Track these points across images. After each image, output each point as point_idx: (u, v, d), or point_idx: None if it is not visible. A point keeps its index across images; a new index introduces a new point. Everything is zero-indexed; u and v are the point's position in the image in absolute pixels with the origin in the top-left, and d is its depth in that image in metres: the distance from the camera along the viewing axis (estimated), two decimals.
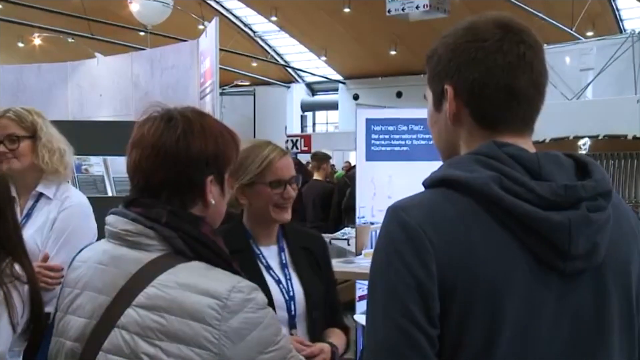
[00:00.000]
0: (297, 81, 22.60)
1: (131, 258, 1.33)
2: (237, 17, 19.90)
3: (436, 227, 1.07)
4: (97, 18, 14.21)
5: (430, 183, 1.13)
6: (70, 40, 16.08)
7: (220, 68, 5.57)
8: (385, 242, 1.10)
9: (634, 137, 3.66)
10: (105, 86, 6.97)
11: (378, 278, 1.10)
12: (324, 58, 20.57)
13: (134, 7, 10.84)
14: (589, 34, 13.86)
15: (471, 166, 1.10)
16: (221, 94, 6.72)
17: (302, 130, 21.77)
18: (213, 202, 1.38)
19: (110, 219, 1.39)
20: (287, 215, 2.04)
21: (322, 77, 21.50)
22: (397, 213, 1.10)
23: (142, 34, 13.59)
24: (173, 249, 1.32)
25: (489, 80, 1.13)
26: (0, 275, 1.88)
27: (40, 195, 2.42)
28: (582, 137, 3.84)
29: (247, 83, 16.10)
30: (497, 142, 1.12)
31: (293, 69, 21.78)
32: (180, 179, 1.35)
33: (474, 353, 1.06)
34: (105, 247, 1.39)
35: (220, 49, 5.76)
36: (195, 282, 1.28)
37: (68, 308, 1.38)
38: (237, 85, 13.31)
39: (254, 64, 19.69)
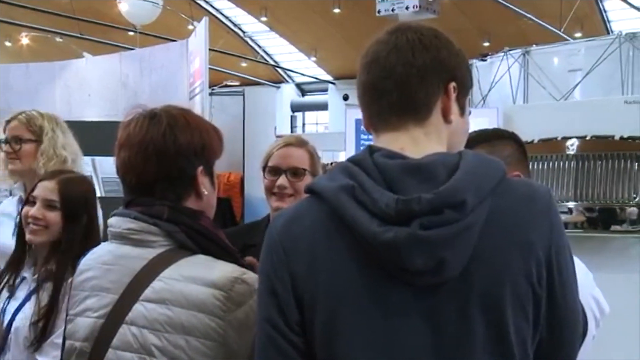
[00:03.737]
0: (287, 81, 22.57)
1: (135, 255, 1.35)
2: (226, 17, 19.85)
3: (291, 236, 1.10)
4: (86, 17, 14.14)
5: (305, 190, 1.16)
6: (58, 39, 15.98)
7: (209, 68, 5.55)
8: (262, 252, 1.15)
9: (621, 138, 3.69)
10: (94, 86, 6.93)
11: (258, 286, 1.16)
12: (313, 58, 20.56)
13: (123, 7, 10.79)
14: (577, 35, 13.93)
15: (336, 174, 1.11)
16: (210, 94, 6.70)
17: (291, 131, 21.71)
18: (206, 192, 1.40)
19: (112, 220, 1.41)
20: (284, 205, 2.04)
21: (312, 77, 21.48)
22: (270, 223, 1.17)
23: (131, 33, 13.53)
24: (176, 243, 1.35)
25: (359, 78, 1.19)
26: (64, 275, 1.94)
27: None
28: (571, 138, 3.86)
29: (237, 83, 16.06)
30: (373, 147, 1.12)
31: (283, 69, 21.75)
32: (171, 172, 1.37)
33: None
34: (109, 248, 1.41)
35: (210, 49, 5.75)
36: (200, 274, 1.30)
37: (77, 310, 1.40)
38: (226, 86, 13.28)
39: (244, 64, 19.66)
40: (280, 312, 1.09)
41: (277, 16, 18.48)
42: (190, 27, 12.98)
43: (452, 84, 1.15)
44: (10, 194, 2.75)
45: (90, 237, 2.00)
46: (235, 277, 1.29)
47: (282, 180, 2.06)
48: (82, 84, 7.01)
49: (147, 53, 6.81)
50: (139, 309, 1.30)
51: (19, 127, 2.50)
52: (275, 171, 2.08)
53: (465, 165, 1.07)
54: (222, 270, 1.32)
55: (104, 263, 1.39)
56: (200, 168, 1.40)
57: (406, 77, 1.13)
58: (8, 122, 2.53)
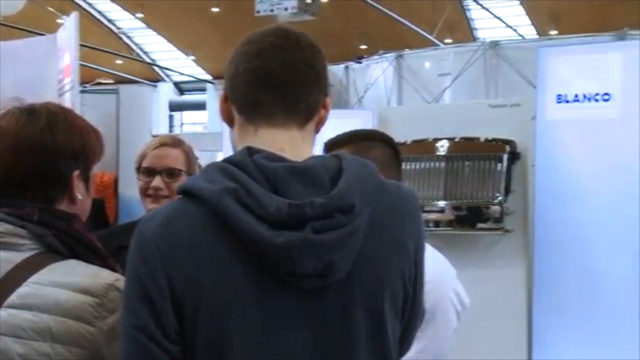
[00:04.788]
0: (165, 80, 22.13)
1: (0, 259, 1.27)
2: (99, 12, 19.15)
3: (168, 239, 1.05)
4: None
5: (178, 191, 1.12)
6: None
7: (81, 65, 5.32)
8: (129, 254, 1.09)
9: (486, 140, 3.88)
10: None
11: (124, 291, 1.10)
12: (192, 57, 20.27)
13: None
14: (448, 40, 14.61)
15: (215, 175, 1.07)
16: (82, 91, 6.42)
17: (170, 130, 21.34)
18: (80, 197, 1.35)
19: None
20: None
21: (191, 76, 21.16)
22: (141, 223, 1.10)
23: None
24: (46, 247, 1.28)
25: (240, 66, 1.13)
26: None
27: None
28: (441, 139, 4.00)
29: (110, 81, 15.53)
30: (252, 148, 1.09)
31: (160, 67, 21.29)
32: (45, 172, 1.30)
33: None
34: None
35: (81, 45, 5.50)
36: (71, 280, 1.24)
37: None
38: (99, 83, 12.80)
39: (119, 62, 19.05)
40: (155, 319, 1.04)
41: (153, 13, 18.05)
42: (60, 20, 12.39)
43: (327, 99, 1.18)
44: None
45: None
46: (108, 284, 1.25)
47: (157, 181, 2.03)
48: None
49: (10, 47, 6.41)
50: (3, 315, 1.23)
51: None
52: (150, 172, 2.05)
53: (348, 169, 1.08)
54: (94, 276, 1.27)
55: None
56: (77, 172, 1.34)
57: (307, 77, 1.13)
58: None
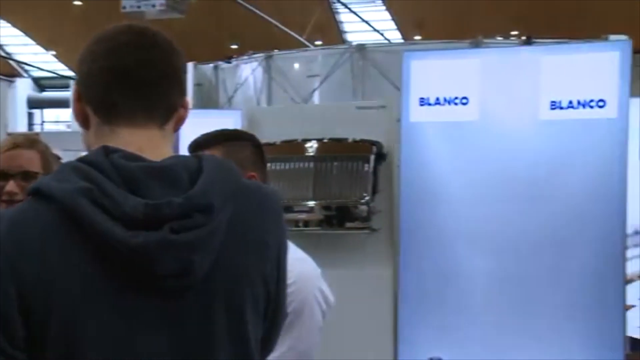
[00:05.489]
0: (23, 76, 20.95)
1: None
2: None
3: (16, 241, 1.01)
4: None
5: (28, 192, 1.07)
6: None
7: None
8: None
9: (354, 141, 3.96)
10: None
11: None
12: (52, 52, 19.28)
13: None
14: (319, 43, 14.84)
15: (68, 175, 1.04)
16: None
17: (29, 129, 20.37)
18: None
19: None
20: None
21: (51, 72, 20.13)
22: None
23: None
24: None
25: (94, 65, 1.10)
26: None
27: None
28: (310, 140, 4.04)
29: None
30: (108, 148, 1.06)
31: (17, 62, 20.10)
32: None
33: None
34: None
35: None
36: None
37: None
38: None
39: None
40: (0, 327, 0.98)
41: (7, 3, 16.96)
42: None
43: (187, 99, 1.17)
44: None
45: None
46: None
47: (10, 186, 1.91)
48: None
49: None
50: None
51: None
52: (3, 176, 1.92)
53: (208, 169, 1.07)
54: None
55: None
56: None
57: (166, 75, 1.11)
58: None
